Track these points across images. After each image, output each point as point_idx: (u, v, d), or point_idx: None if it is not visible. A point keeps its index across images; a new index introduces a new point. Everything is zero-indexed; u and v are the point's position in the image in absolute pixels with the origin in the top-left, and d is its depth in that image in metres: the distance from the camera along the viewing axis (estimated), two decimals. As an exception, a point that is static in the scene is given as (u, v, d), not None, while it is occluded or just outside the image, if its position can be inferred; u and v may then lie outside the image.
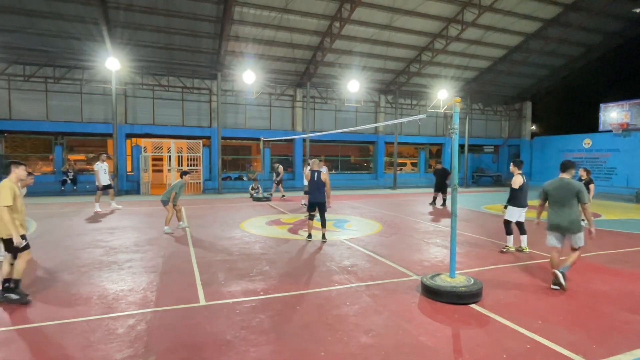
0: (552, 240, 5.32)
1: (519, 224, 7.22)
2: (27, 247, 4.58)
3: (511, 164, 7.40)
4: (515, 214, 7.13)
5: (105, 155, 12.03)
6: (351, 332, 3.86)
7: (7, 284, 4.48)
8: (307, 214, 8.18)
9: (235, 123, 19.97)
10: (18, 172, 4.63)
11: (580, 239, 5.16)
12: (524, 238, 7.25)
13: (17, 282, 4.48)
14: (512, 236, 7.25)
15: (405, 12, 16.47)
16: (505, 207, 7.31)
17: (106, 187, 11.74)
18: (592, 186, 9.44)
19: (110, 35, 14.99)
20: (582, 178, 9.50)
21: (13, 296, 4.44)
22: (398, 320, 4.17)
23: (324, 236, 7.93)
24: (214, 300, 4.66)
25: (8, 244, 4.50)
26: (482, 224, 10.39)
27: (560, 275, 5.03)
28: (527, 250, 7.20)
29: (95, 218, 10.54)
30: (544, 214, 5.53)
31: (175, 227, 8.98)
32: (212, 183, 18.87)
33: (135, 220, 10.28)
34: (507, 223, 7.22)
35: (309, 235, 8.07)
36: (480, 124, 26.32)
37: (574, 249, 5.22)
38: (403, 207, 13.66)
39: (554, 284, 5.12)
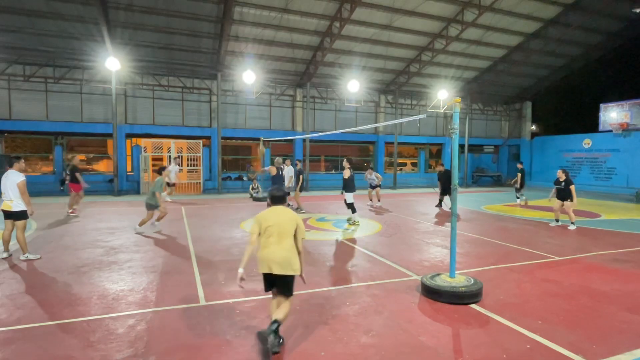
0: None
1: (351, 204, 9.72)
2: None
3: (344, 160, 10.09)
4: (351, 197, 9.74)
5: None
6: (351, 332, 3.86)
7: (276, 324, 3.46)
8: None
9: (235, 123, 19.96)
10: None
11: None
12: (355, 215, 9.78)
13: (279, 323, 3.47)
14: (357, 213, 9.82)
15: (405, 12, 16.46)
16: (342, 193, 9.97)
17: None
18: (572, 187, 9.75)
19: (110, 35, 14.97)
20: (561, 180, 9.87)
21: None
22: (398, 320, 4.17)
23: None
24: (214, 300, 4.66)
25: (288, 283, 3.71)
26: (482, 224, 10.40)
27: None
28: (358, 223, 9.70)
29: (97, 217, 10.55)
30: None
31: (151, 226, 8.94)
32: (212, 183, 18.87)
33: (135, 220, 10.24)
34: (351, 204, 9.70)
35: None
36: (480, 124, 26.30)
37: None
38: (403, 207, 13.65)
39: None
